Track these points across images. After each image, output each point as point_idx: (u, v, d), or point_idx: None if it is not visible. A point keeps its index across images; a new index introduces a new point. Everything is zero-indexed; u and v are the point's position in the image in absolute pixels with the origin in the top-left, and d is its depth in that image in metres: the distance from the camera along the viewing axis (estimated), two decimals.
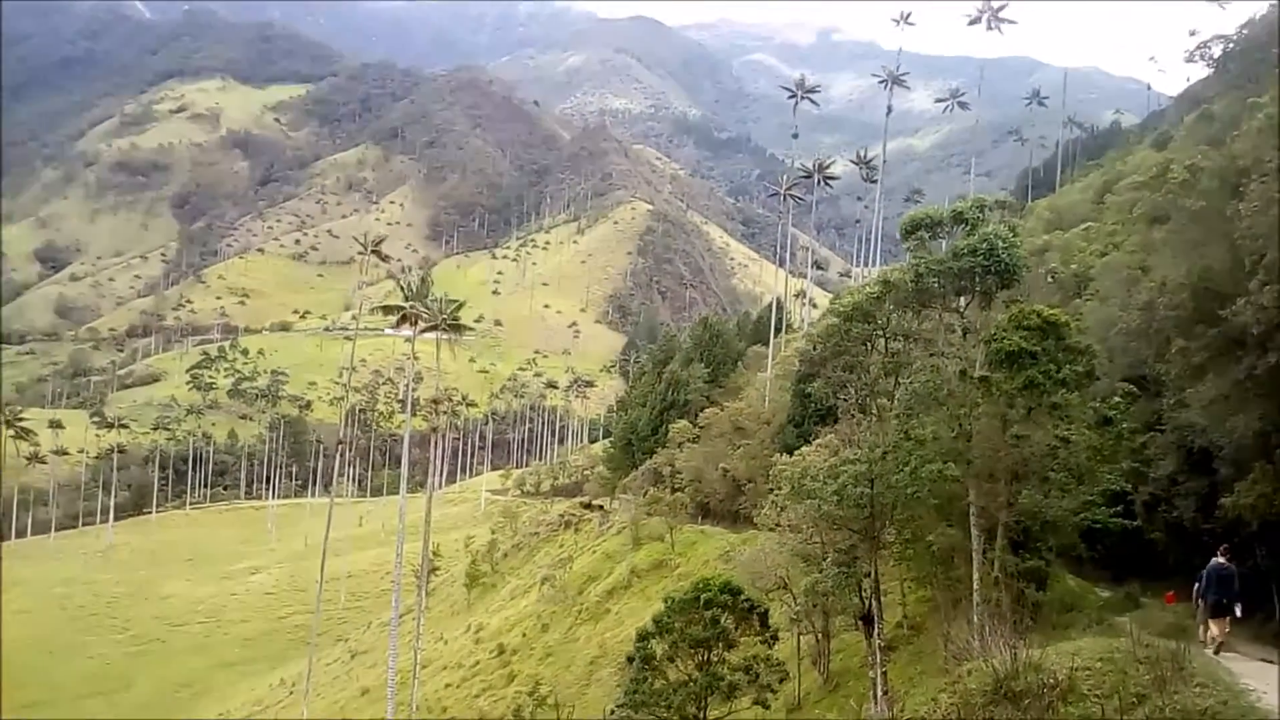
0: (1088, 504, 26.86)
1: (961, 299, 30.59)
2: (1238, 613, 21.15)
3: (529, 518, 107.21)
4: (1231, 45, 77.67)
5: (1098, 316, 38.73)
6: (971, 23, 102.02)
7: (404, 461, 68.69)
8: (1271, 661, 20.12)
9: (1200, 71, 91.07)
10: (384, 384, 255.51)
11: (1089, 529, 28.53)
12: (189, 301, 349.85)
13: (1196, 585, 21.84)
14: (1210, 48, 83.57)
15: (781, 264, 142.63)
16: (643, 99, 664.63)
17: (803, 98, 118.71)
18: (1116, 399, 29.27)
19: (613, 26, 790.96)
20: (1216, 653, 19.89)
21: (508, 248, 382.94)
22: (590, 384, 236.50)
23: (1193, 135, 63.86)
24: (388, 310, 64.78)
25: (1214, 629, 21.00)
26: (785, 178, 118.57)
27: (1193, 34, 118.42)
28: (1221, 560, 21.58)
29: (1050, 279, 48.77)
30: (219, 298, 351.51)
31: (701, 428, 72.34)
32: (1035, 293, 35.90)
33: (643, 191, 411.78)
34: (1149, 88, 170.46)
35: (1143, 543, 31.80)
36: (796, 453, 41.15)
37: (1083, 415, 27.08)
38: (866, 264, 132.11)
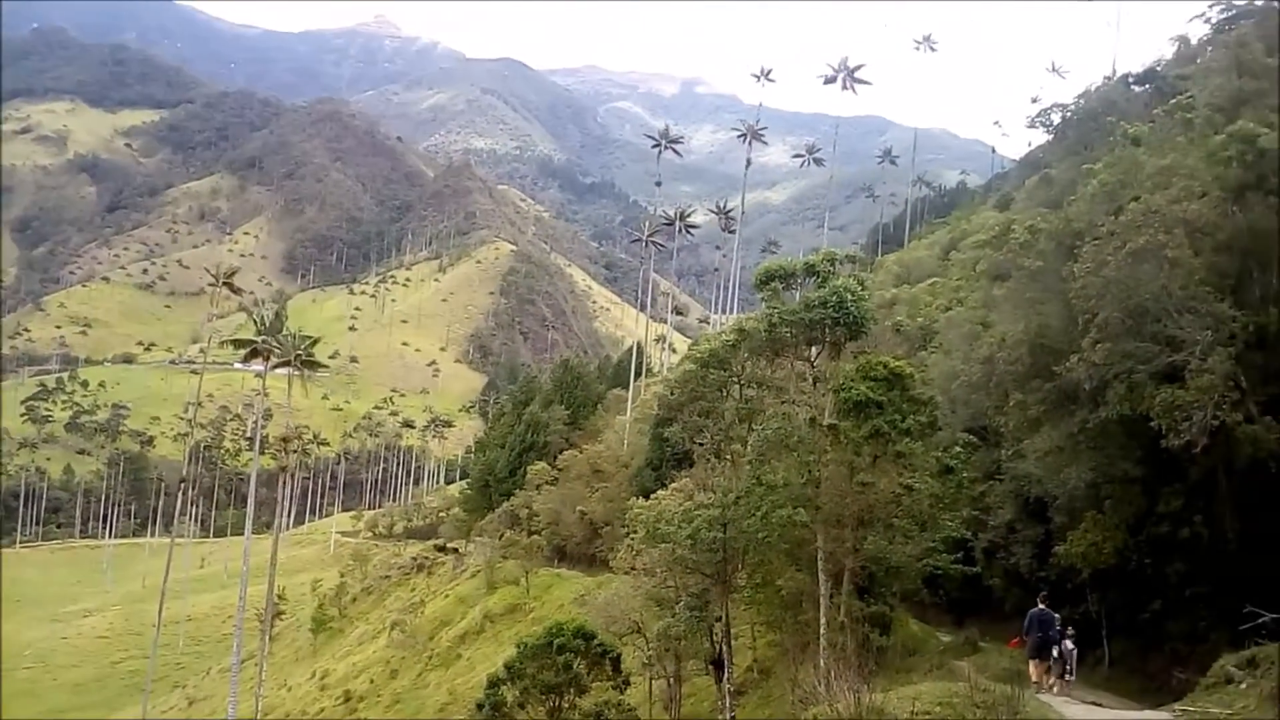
0: (930, 550, 27.75)
1: (813, 348, 31.37)
2: (1054, 654, 22.33)
3: (380, 560, 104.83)
4: (1069, 114, 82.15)
5: (941, 369, 40.16)
6: (827, 82, 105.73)
7: (250, 501, 66.38)
8: (1101, 704, 21.07)
9: (1041, 137, 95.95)
10: (231, 420, 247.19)
11: (931, 574, 29.46)
12: (26, 330, 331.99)
13: (1023, 629, 23.01)
14: (1050, 115, 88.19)
15: (643, 308, 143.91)
16: (508, 140, 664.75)
17: (666, 147, 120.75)
18: (958, 449, 30.40)
19: (479, 67, 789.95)
20: (1039, 692, 20.71)
21: (366, 283, 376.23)
22: (448, 424, 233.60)
23: (1033, 198, 67.15)
24: (238, 344, 62.97)
25: (1033, 671, 22.04)
26: (648, 224, 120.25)
27: (1034, 101, 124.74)
28: (1042, 606, 22.98)
29: (897, 331, 50.39)
30: (59, 327, 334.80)
31: (560, 470, 72.13)
32: (883, 344, 37.02)
33: (506, 232, 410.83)
34: (993, 150, 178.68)
35: (982, 588, 32.98)
36: (653, 496, 41.39)
37: (926, 464, 28.01)
38: (724, 311, 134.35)
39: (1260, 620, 18.33)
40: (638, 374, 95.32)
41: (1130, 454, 27.15)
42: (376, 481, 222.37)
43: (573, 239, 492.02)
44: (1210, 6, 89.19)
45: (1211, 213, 27.43)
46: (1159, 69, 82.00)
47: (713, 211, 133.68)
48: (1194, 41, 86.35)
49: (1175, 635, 26.70)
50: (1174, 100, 51.48)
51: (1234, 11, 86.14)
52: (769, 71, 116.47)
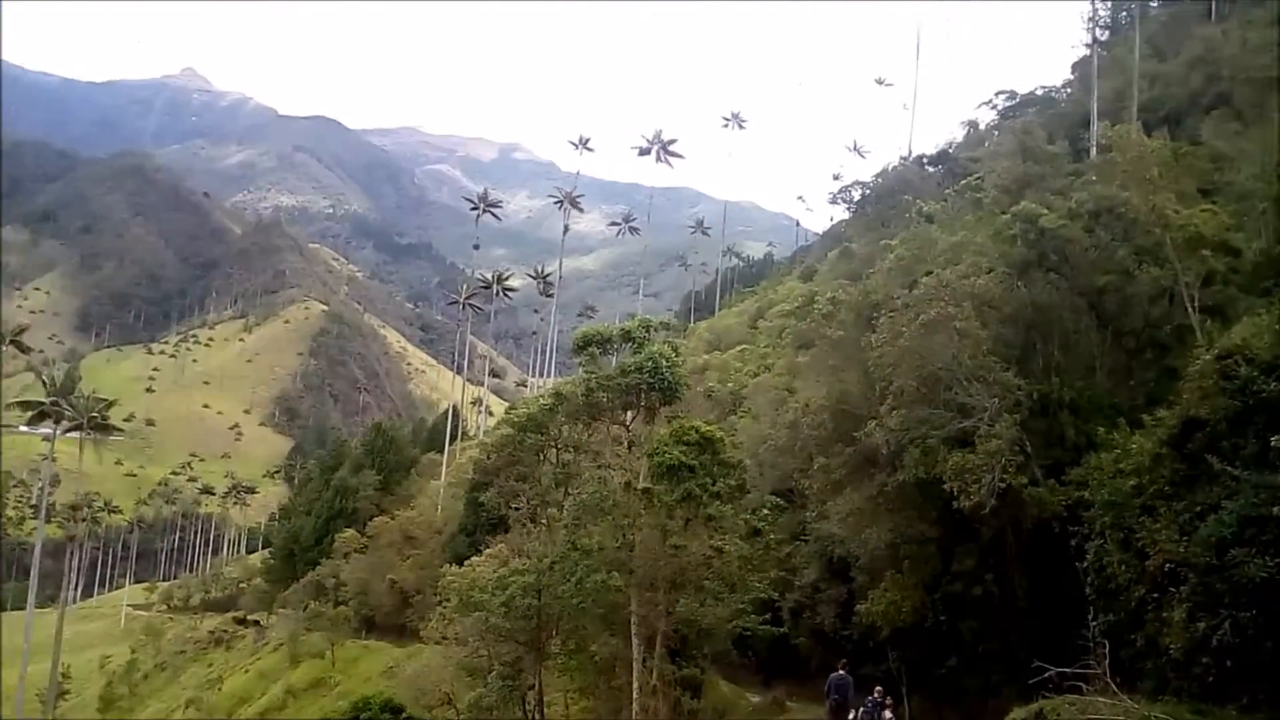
0: (739, 611, 28.30)
1: (628, 413, 31.80)
2: (850, 715, 23.64)
3: (175, 635, 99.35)
4: (869, 191, 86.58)
5: (750, 433, 41.33)
6: (642, 153, 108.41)
7: (33, 573, 62.18)
8: None
9: (842, 212, 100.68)
10: (15, 486, 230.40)
11: (741, 636, 30.01)
12: None
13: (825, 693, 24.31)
14: (851, 192, 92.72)
15: (459, 371, 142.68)
16: (321, 199, 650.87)
17: (485, 210, 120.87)
18: (765, 511, 31.27)
19: (292, 123, 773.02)
20: None
21: (166, 343, 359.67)
22: (251, 490, 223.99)
23: (835, 270, 70.25)
24: (25, 406, 59.25)
25: None
26: (465, 287, 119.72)
27: (836, 178, 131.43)
28: (840, 671, 24.54)
29: (709, 396, 51.62)
30: None
31: (370, 537, 70.26)
32: (695, 409, 37.85)
33: (318, 291, 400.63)
34: (798, 224, 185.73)
35: (789, 648, 33.76)
36: (467, 563, 40.78)
37: (735, 526, 28.68)
38: (542, 375, 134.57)
39: (1046, 674, 19.47)
40: (453, 438, 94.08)
41: (926, 515, 28.48)
42: (172, 551, 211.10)
43: (388, 300, 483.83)
44: (997, 94, 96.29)
45: (998, 287, 29.35)
46: (951, 151, 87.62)
47: (531, 276, 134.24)
48: (982, 126, 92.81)
49: (970, 690, 27.93)
50: (964, 181, 55.14)
51: (1018, 100, 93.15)
52: (587, 140, 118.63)
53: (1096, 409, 27.11)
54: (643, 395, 30.09)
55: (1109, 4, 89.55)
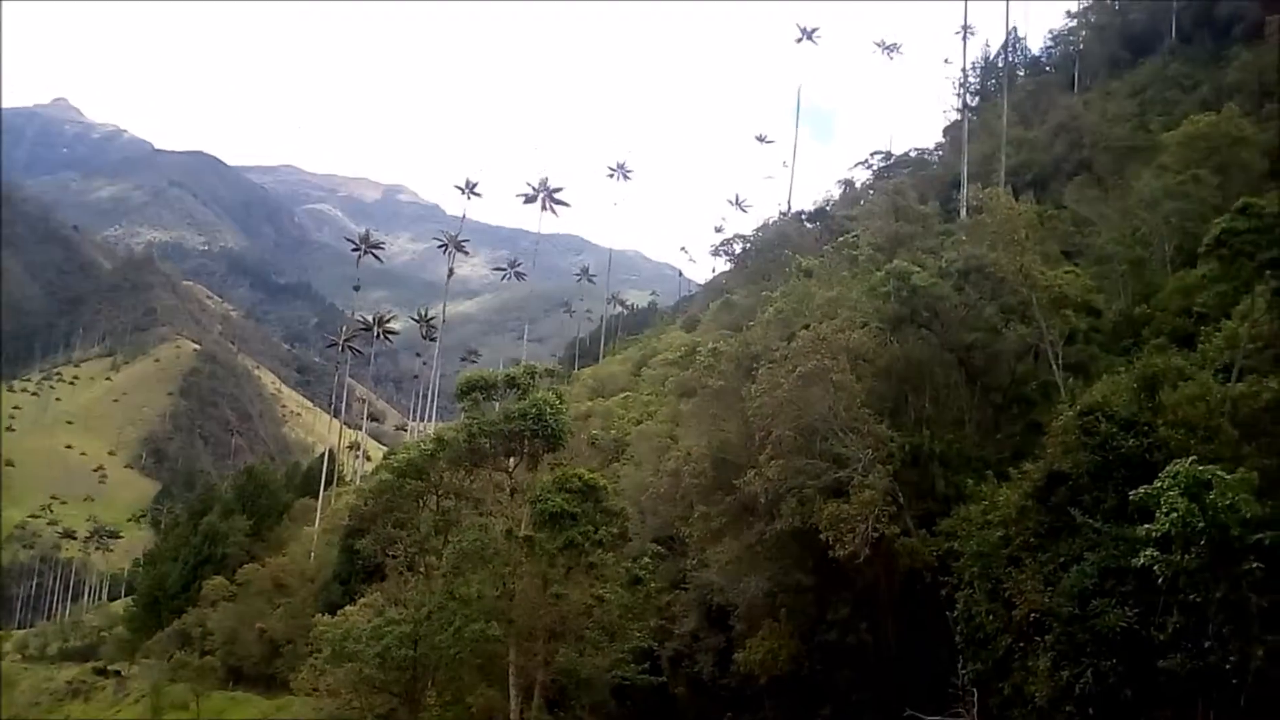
0: (619, 661, 28.30)
1: (511, 459, 31.70)
2: None
3: (30, 686, 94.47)
4: (750, 244, 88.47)
5: (633, 480, 41.48)
6: (528, 200, 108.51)
7: None
8: None
9: (724, 264, 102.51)
10: None
11: (620, 686, 29.97)
12: None
13: None
14: (733, 245, 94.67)
15: (337, 414, 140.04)
16: (196, 235, 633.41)
17: (366, 251, 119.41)
18: (647, 559, 31.41)
19: (168, 158, 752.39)
20: None
21: (28, 380, 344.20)
22: (115, 535, 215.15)
23: (717, 320, 71.33)
24: None
25: None
26: (344, 328, 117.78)
27: (719, 230, 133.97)
28: None
29: (592, 444, 51.66)
30: None
31: (240, 585, 68.16)
32: (579, 456, 37.89)
33: (190, 330, 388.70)
34: (681, 274, 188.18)
35: (668, 697, 33.78)
36: (341, 612, 39.86)
37: (616, 574, 28.76)
38: (424, 419, 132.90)
39: None
40: (329, 483, 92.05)
41: (803, 564, 28.95)
42: (29, 597, 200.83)
43: (263, 340, 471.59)
44: (872, 154, 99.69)
45: (872, 342, 30.26)
46: (828, 209, 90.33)
47: (413, 319, 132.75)
48: (858, 185, 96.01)
49: None
50: (841, 238, 56.77)
51: (892, 161, 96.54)
52: (474, 185, 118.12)
53: (965, 461, 28.05)
54: (526, 442, 30.09)
55: (979, 72, 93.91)
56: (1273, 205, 26.37)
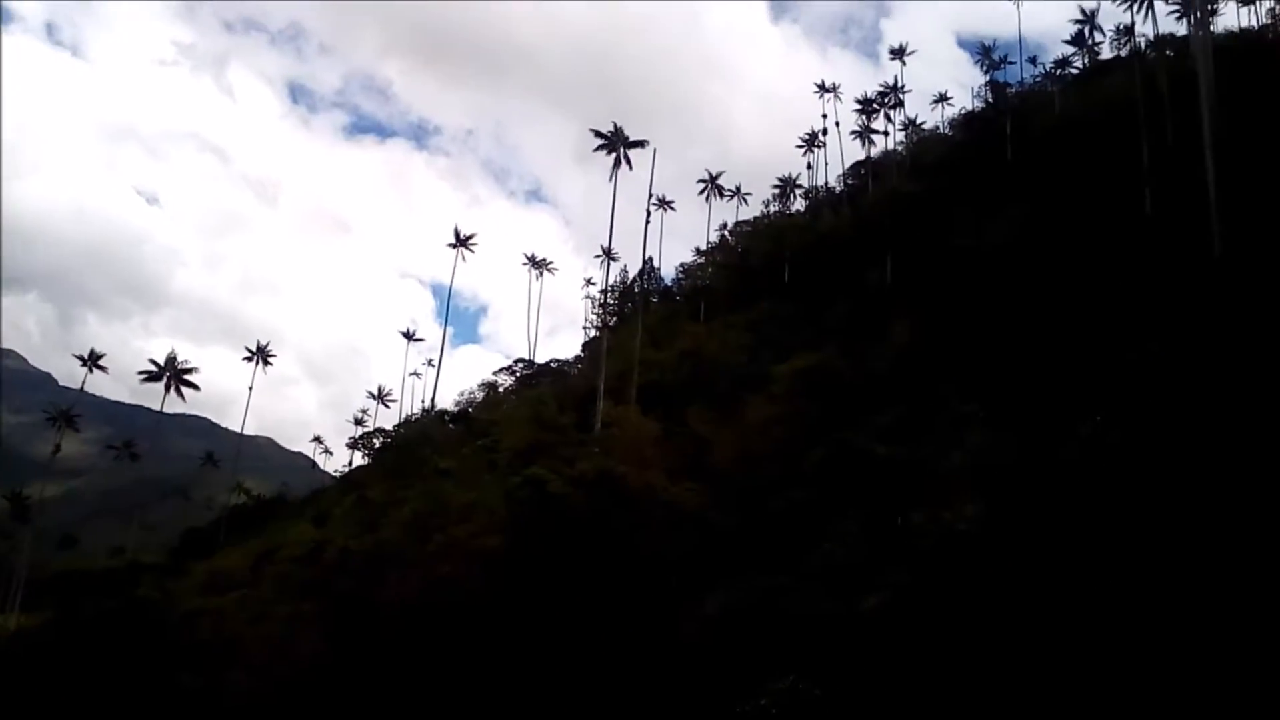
0: None
1: None
2: None
3: None
4: (390, 440, 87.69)
5: (248, 687, 38.68)
6: (152, 379, 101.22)
7: None
8: None
9: (361, 458, 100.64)
10: None
11: None
12: None
13: None
14: (373, 439, 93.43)
15: None
16: None
17: None
18: None
19: None
20: None
21: None
22: None
23: (350, 516, 69.17)
24: None
25: None
26: None
27: (359, 423, 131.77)
28: None
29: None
30: None
31: None
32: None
33: None
34: (314, 465, 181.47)
35: None
36: None
37: None
38: (9, 609, 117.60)
39: None
40: None
41: None
42: None
43: None
44: (516, 362, 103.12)
45: (504, 545, 30.59)
46: (471, 410, 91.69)
47: (4, 497, 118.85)
48: (501, 389, 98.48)
49: None
50: (481, 441, 57.61)
51: (535, 370, 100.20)
52: (99, 358, 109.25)
53: None
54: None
55: (617, 294, 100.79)
56: (860, 440, 29.69)
